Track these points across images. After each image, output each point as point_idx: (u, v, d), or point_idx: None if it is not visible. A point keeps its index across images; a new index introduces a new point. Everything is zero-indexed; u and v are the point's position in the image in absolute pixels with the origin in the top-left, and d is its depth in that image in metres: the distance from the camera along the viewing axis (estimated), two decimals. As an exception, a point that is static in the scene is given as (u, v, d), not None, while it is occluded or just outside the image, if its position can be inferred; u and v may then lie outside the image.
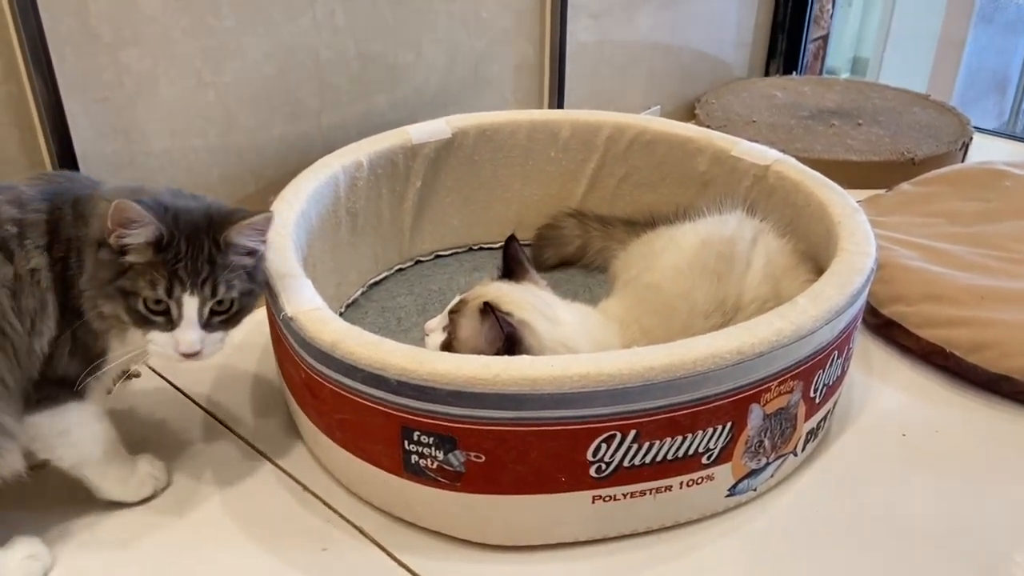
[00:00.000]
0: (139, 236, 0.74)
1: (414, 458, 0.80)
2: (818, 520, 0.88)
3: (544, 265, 1.27)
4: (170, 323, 0.76)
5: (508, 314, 0.88)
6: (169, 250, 0.75)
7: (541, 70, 1.50)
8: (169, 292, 0.75)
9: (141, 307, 0.75)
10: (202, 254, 0.76)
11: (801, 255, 1.04)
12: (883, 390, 1.05)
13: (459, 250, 1.32)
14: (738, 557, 0.84)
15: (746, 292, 0.97)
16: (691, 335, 0.81)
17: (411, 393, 0.76)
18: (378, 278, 1.24)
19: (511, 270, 0.99)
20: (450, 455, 0.78)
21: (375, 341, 0.79)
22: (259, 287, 0.82)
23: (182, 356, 0.76)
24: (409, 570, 0.82)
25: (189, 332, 0.76)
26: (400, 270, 1.27)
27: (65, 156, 0.97)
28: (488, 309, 0.86)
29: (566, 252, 1.28)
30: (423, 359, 0.76)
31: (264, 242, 0.81)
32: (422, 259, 1.29)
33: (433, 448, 0.78)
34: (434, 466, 0.79)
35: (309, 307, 0.83)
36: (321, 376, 0.81)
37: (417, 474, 0.80)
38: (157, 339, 0.76)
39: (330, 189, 1.08)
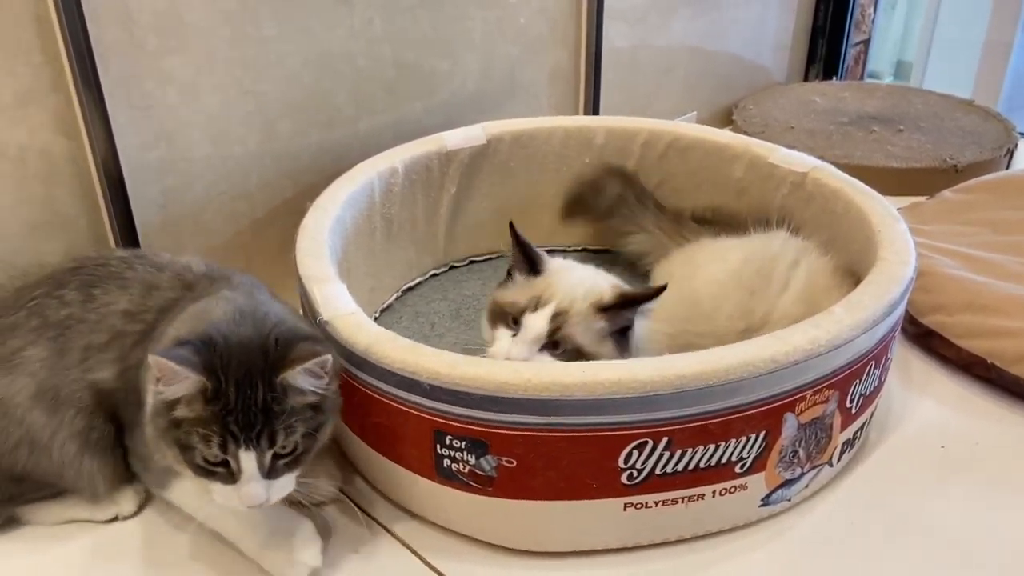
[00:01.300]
0: (182, 389, 0.69)
1: (446, 462, 0.80)
2: (854, 532, 0.86)
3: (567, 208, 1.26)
4: (231, 476, 0.70)
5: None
6: (218, 401, 0.68)
7: (576, 76, 1.51)
8: (223, 448, 0.69)
9: (200, 460, 0.70)
10: (254, 403, 0.69)
11: (844, 273, 1.03)
12: (922, 401, 1.04)
13: (493, 256, 1.33)
14: (771, 568, 0.83)
15: (777, 309, 0.97)
16: (713, 331, 0.80)
17: (444, 397, 0.77)
18: (412, 283, 1.25)
19: (531, 260, 0.92)
20: (482, 459, 0.79)
21: (409, 345, 0.80)
22: (330, 416, 0.75)
23: (247, 507, 0.71)
24: (440, 574, 0.82)
25: (251, 485, 0.70)
26: (434, 275, 1.28)
27: (110, 164, 1.00)
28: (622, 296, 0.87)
29: (598, 204, 1.24)
30: (456, 363, 0.77)
31: (329, 376, 0.73)
32: (456, 264, 1.30)
33: (465, 452, 0.79)
34: (466, 470, 0.80)
35: (344, 311, 0.85)
36: (355, 379, 0.82)
37: (449, 478, 0.81)
38: (219, 490, 0.71)
39: (365, 195, 1.10)
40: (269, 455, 0.70)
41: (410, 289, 1.25)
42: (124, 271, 0.84)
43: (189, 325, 0.74)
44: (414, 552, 0.84)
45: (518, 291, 0.91)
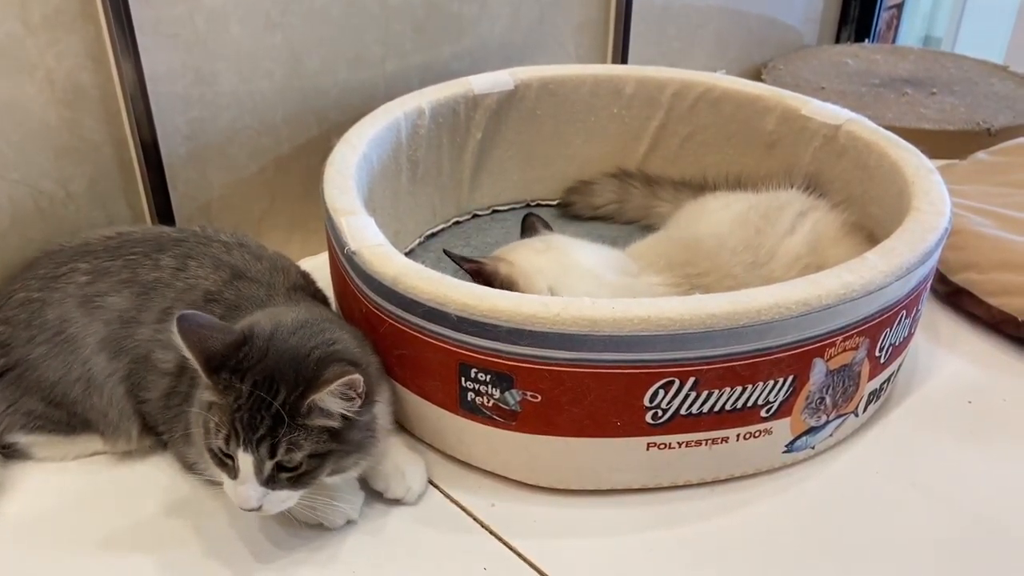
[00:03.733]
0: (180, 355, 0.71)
1: (470, 395, 0.80)
2: (876, 484, 0.86)
3: (573, 216, 1.29)
4: (233, 472, 0.71)
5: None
6: (229, 394, 0.70)
7: (606, 28, 1.48)
8: (227, 442, 0.70)
9: (214, 447, 0.71)
10: (266, 409, 0.69)
11: (854, 228, 1.02)
12: (950, 359, 1.02)
13: (516, 206, 1.31)
14: (793, 514, 0.82)
15: (783, 246, 0.97)
16: (716, 267, 0.82)
17: (470, 329, 0.76)
18: (435, 229, 1.25)
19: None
20: (506, 393, 0.78)
21: (437, 277, 0.79)
22: (351, 448, 0.73)
23: (240, 508, 0.71)
24: (463, 509, 0.82)
25: (245, 487, 0.70)
26: (457, 223, 1.27)
27: (137, 91, 0.98)
28: None
29: (596, 204, 1.27)
30: (484, 295, 0.76)
31: (360, 402, 0.72)
32: (479, 213, 1.29)
33: (490, 386, 0.78)
34: (490, 404, 0.79)
35: (373, 243, 0.84)
36: (381, 311, 0.82)
37: (473, 412, 0.81)
38: (225, 482, 0.72)
39: (392, 135, 1.08)
40: (269, 464, 0.70)
41: (433, 235, 1.24)
42: (221, 254, 0.87)
43: (255, 318, 0.76)
44: (437, 487, 0.84)
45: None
